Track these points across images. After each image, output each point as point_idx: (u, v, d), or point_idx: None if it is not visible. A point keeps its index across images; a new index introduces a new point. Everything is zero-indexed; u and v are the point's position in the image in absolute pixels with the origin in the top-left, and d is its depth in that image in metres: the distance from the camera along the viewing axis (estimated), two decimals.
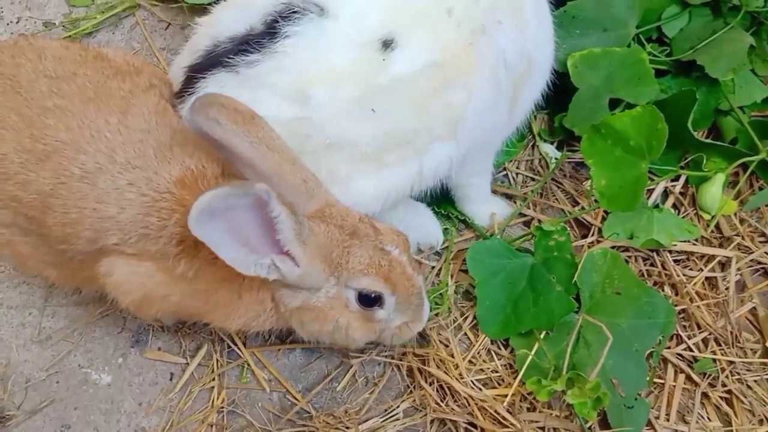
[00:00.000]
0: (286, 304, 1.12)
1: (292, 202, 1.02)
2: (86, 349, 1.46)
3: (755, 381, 1.34)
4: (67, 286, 1.46)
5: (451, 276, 1.49)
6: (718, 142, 1.52)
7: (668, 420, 1.31)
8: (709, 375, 1.35)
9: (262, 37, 1.18)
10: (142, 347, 1.46)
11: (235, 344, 1.44)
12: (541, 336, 1.38)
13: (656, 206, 1.50)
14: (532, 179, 1.63)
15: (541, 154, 1.63)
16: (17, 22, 1.94)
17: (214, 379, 1.41)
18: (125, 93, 1.21)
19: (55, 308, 1.51)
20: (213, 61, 1.21)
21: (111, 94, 1.19)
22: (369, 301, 1.10)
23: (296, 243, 1.03)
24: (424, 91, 1.21)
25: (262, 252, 1.03)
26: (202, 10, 1.79)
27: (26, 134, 1.13)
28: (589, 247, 1.50)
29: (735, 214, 1.51)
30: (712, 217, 1.49)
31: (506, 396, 1.33)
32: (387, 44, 1.19)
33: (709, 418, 1.32)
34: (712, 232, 1.50)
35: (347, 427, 1.35)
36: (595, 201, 1.49)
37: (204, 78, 1.21)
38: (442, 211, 1.57)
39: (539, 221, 1.55)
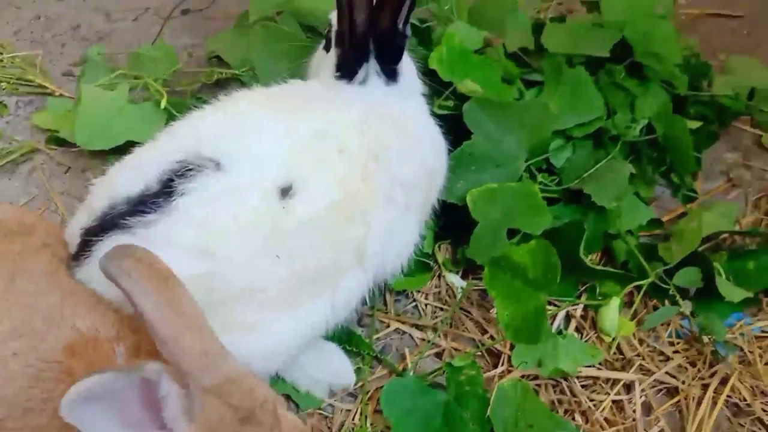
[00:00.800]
0: None
1: (187, 371, 0.98)
2: None
3: None
4: None
5: (366, 418, 1.45)
6: (609, 269, 1.60)
7: None
8: None
9: (158, 196, 1.18)
10: None
11: None
12: None
13: (560, 332, 1.54)
14: (441, 309, 1.64)
15: (447, 284, 1.66)
16: None
17: None
18: (14, 255, 1.17)
19: None
20: (109, 223, 1.19)
21: None
22: None
23: (182, 421, 0.97)
24: (328, 230, 1.24)
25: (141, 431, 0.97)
26: (102, 154, 1.79)
27: None
28: (500, 377, 1.51)
29: (634, 335, 1.57)
30: (613, 339, 1.54)
31: None
32: (286, 191, 1.21)
33: None
34: (614, 354, 1.54)
35: None
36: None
37: (101, 240, 1.19)
38: (354, 349, 1.55)
39: (451, 352, 1.56)
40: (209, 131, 1.26)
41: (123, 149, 1.59)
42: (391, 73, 1.38)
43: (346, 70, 1.35)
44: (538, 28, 1.83)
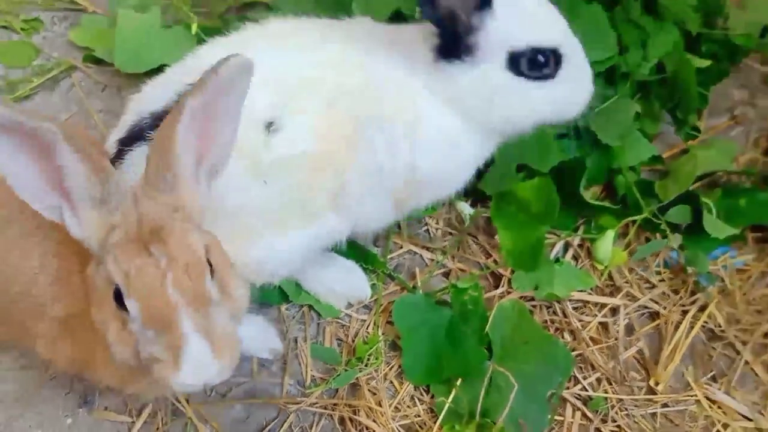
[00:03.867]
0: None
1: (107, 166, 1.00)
2: (37, 411, 1.55)
3: (641, 415, 1.54)
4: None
5: (378, 328, 1.64)
6: (606, 204, 1.74)
7: None
8: (601, 412, 1.55)
9: None
10: (89, 407, 1.55)
11: (179, 402, 1.56)
12: (458, 382, 1.55)
13: (557, 260, 1.70)
14: (450, 234, 1.80)
15: (457, 211, 1.80)
16: None
17: None
18: None
19: (3, 373, 1.58)
20: (136, 134, 1.31)
21: None
22: (118, 296, 0.99)
23: (87, 206, 0.99)
24: (302, 174, 1.31)
25: (46, 193, 1.00)
26: (136, 75, 1.89)
27: None
28: (500, 297, 1.68)
29: (625, 265, 1.72)
30: (605, 267, 1.69)
31: None
32: (269, 126, 1.28)
33: None
34: (606, 281, 1.70)
35: None
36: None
37: (131, 150, 1.31)
38: (369, 267, 1.72)
39: (457, 272, 1.73)
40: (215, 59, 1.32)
41: (158, 71, 1.72)
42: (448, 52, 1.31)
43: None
44: None
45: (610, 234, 1.66)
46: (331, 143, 1.29)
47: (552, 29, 1.35)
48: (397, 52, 1.34)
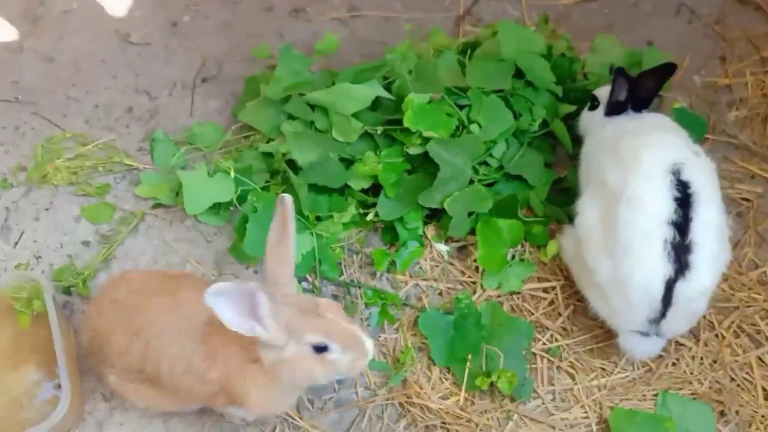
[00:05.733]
0: (266, 357, 1.77)
1: (276, 284, 1.75)
2: None
3: (583, 351, 2.44)
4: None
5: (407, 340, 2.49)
6: (532, 219, 2.62)
7: (543, 385, 2.39)
8: (558, 355, 2.44)
9: None
10: None
11: (293, 419, 2.37)
12: (469, 358, 2.40)
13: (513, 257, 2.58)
14: (436, 266, 2.65)
15: (436, 250, 2.67)
16: (61, 247, 2.73)
17: None
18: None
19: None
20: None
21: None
22: (320, 348, 1.71)
23: (269, 319, 1.68)
24: None
25: (248, 319, 1.66)
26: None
27: None
28: (478, 299, 2.54)
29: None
30: (551, 258, 2.57)
31: (458, 401, 2.35)
32: None
33: (564, 379, 2.40)
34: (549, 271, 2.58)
35: None
36: (475, 270, 2.54)
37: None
38: (389, 302, 2.55)
39: (448, 291, 2.58)
40: None
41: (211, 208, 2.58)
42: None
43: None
44: (462, 64, 2.75)
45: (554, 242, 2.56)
46: None
47: None
48: None
